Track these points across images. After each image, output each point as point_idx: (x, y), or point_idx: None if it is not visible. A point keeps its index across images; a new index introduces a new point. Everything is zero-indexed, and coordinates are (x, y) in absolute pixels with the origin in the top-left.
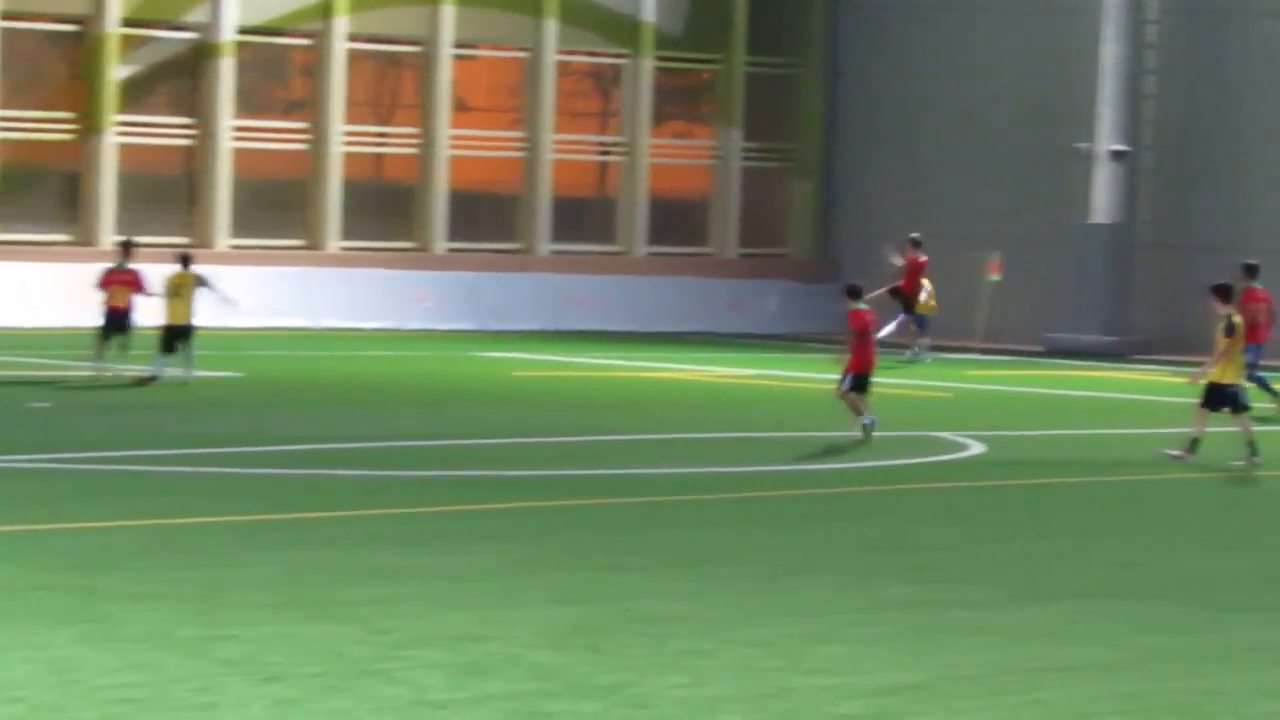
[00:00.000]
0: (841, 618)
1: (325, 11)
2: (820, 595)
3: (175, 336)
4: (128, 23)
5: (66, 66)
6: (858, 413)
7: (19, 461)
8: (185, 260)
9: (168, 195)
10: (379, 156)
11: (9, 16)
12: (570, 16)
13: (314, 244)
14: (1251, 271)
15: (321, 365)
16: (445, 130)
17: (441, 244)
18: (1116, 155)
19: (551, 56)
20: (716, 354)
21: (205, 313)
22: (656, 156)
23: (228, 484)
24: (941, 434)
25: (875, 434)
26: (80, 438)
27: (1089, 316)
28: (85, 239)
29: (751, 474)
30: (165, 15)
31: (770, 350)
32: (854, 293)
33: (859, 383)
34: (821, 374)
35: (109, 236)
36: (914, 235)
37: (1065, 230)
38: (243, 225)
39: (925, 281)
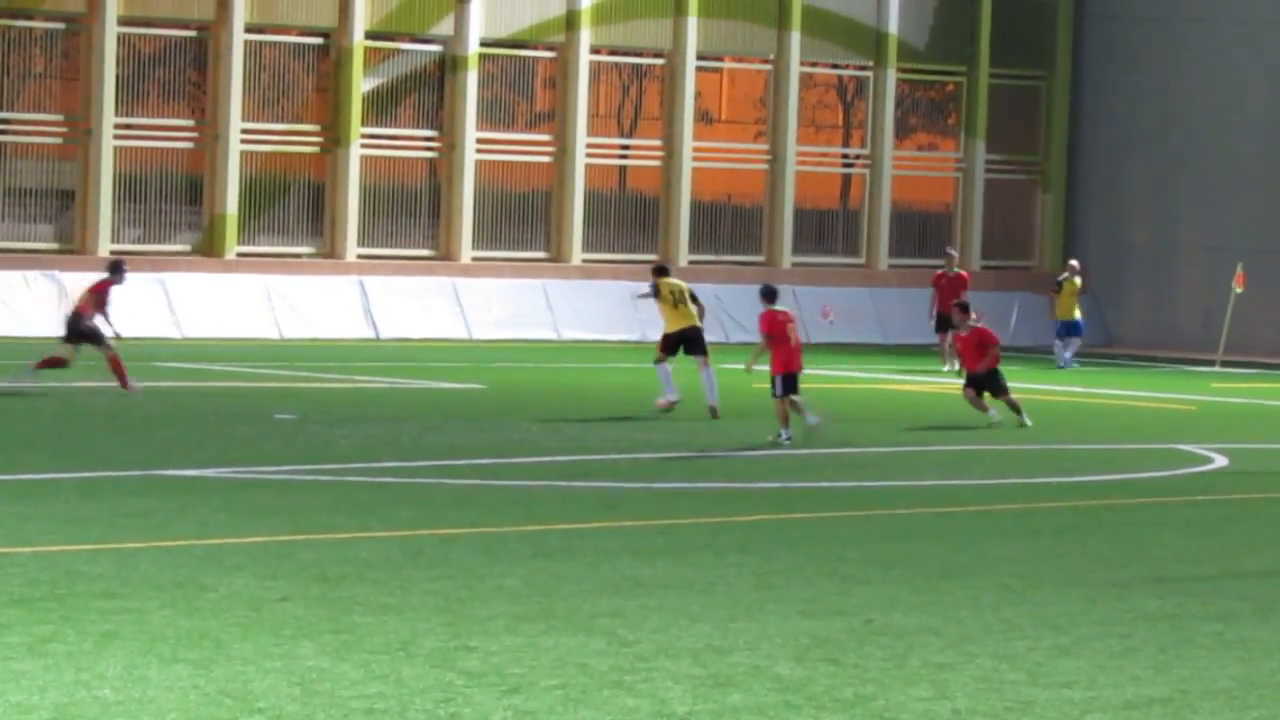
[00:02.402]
0: (1085, 631)
1: (570, 24)
2: (1063, 608)
3: (680, 342)
4: (373, 35)
5: (312, 79)
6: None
7: (266, 473)
8: (664, 270)
9: (412, 207)
10: (622, 169)
11: (256, 29)
12: (814, 28)
13: (557, 256)
14: None
15: (564, 377)
16: (689, 142)
17: (684, 256)
18: None
19: (795, 68)
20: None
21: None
22: (900, 169)
23: (472, 495)
24: (1185, 446)
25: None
26: (327, 449)
27: None
28: (330, 251)
29: (994, 486)
30: (410, 28)
31: (1010, 363)
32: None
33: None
34: (1061, 385)
35: (353, 249)
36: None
37: None
38: (486, 237)
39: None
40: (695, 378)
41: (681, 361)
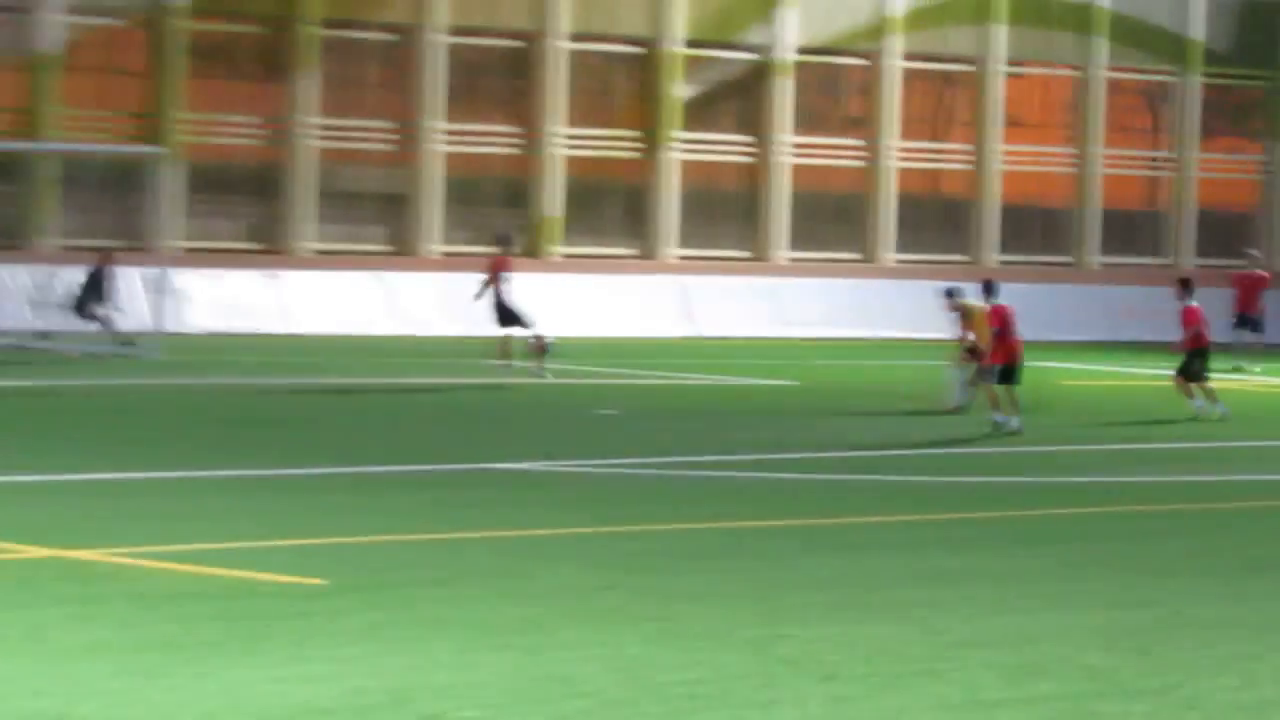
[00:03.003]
0: None
1: (880, 32)
2: None
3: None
4: (690, 44)
5: (632, 86)
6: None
7: (590, 466)
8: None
9: (728, 210)
10: (933, 172)
11: (577, 38)
12: (1119, 35)
13: (869, 257)
14: None
15: (875, 374)
16: (998, 146)
17: (993, 256)
18: None
19: (1101, 73)
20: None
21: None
22: (1205, 171)
23: (787, 488)
24: None
25: None
26: (648, 443)
27: None
28: (649, 253)
29: None
30: (726, 36)
31: None
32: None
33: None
34: None
35: (672, 250)
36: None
37: None
38: (801, 239)
39: None
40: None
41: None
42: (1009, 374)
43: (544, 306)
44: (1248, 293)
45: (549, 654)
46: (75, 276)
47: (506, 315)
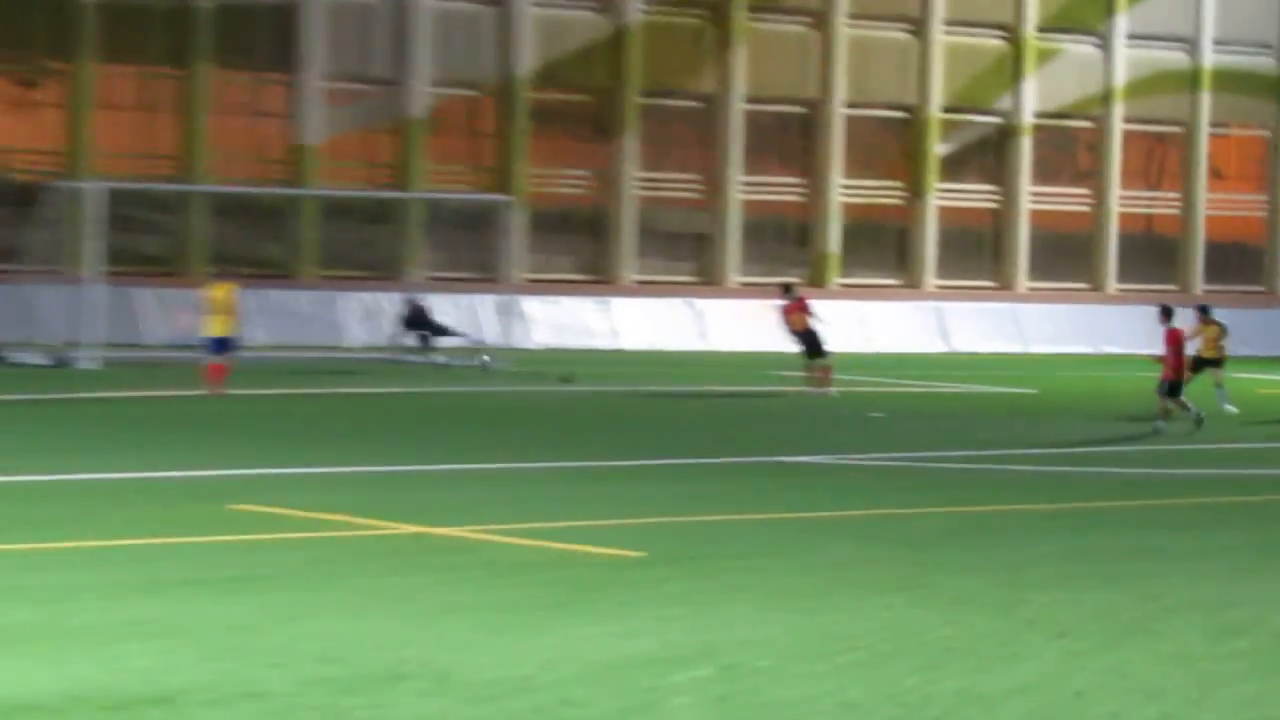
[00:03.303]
0: None
1: (1106, 100)
2: None
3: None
4: (947, 109)
5: (898, 144)
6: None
7: (863, 459)
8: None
9: (978, 247)
10: (1148, 216)
11: (853, 105)
12: None
13: (1096, 285)
14: None
15: (1101, 384)
16: (1201, 193)
17: (1199, 285)
18: None
19: None
20: None
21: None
22: None
23: (1024, 479)
24: None
25: None
26: (910, 440)
27: None
28: (911, 283)
29: None
30: (976, 103)
31: None
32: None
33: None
34: None
35: (930, 281)
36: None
37: None
38: (1038, 270)
39: None
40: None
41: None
42: (1175, 389)
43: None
44: None
45: (828, 615)
46: (438, 304)
47: (811, 344)
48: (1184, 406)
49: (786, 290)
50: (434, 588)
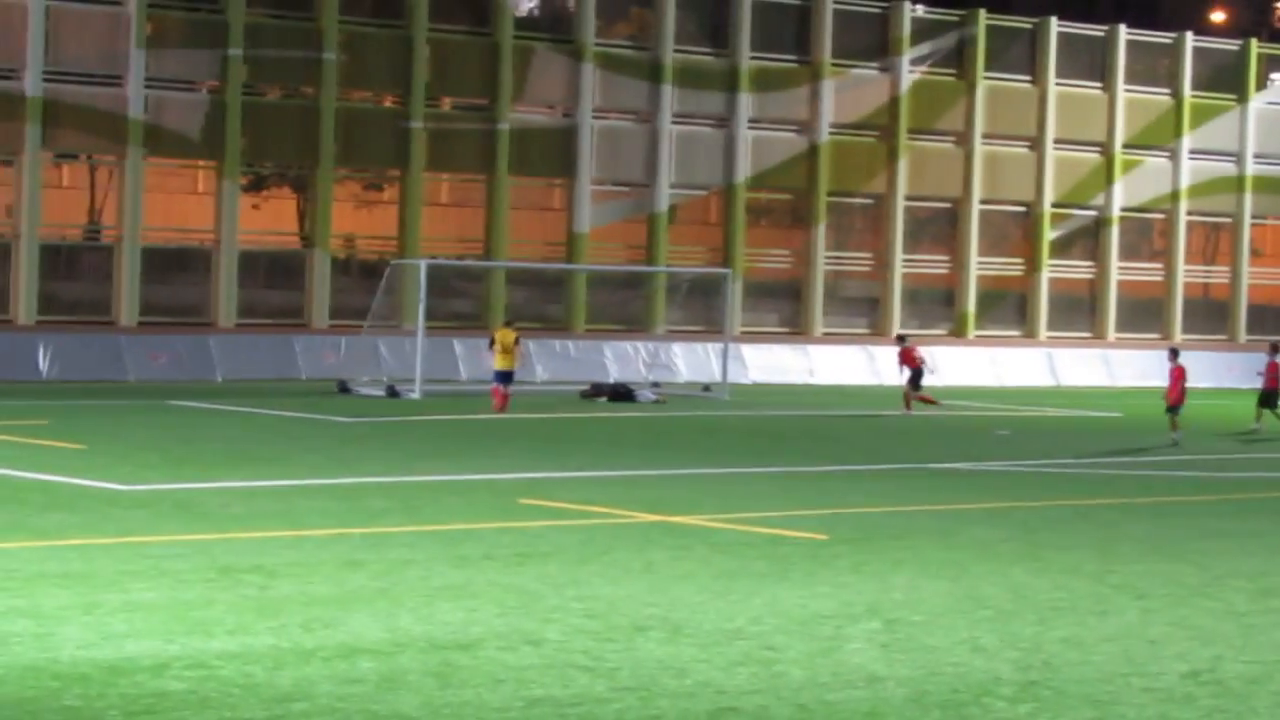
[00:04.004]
0: None
1: (1174, 198)
2: None
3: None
4: (1056, 205)
5: (1019, 232)
6: None
7: (993, 467)
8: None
9: (1079, 306)
10: (1205, 284)
11: (985, 202)
12: None
13: (1166, 336)
14: None
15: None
16: (1246, 268)
17: (1243, 336)
18: None
19: None
20: None
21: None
22: None
23: (1111, 480)
24: None
25: None
26: (1029, 451)
27: None
28: (1029, 334)
29: None
30: (1078, 200)
31: None
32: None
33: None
34: None
35: (1044, 332)
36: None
37: None
38: (1123, 324)
39: None
40: None
41: None
42: (1174, 409)
43: (964, 367)
44: None
45: (967, 582)
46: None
47: (915, 381)
48: (1174, 427)
49: (901, 340)
50: (670, 562)
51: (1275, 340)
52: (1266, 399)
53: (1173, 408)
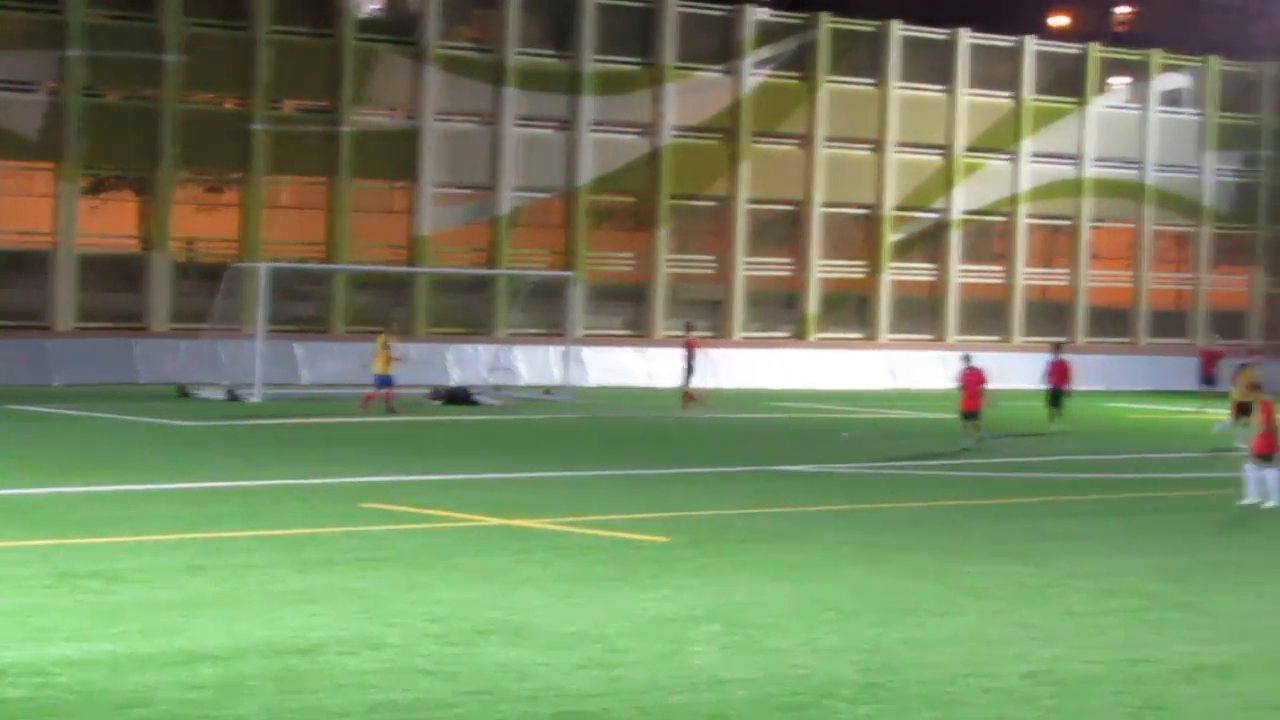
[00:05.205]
0: None
1: (1014, 201)
2: None
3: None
4: (899, 207)
5: (861, 234)
6: None
7: (837, 469)
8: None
9: (920, 309)
10: (1045, 287)
11: (828, 205)
12: (1161, 201)
13: (1007, 338)
14: None
15: (1012, 413)
16: (1085, 270)
17: (1083, 338)
18: None
19: (1150, 226)
20: None
21: None
22: (1213, 287)
23: (954, 482)
24: None
25: None
26: (870, 453)
27: None
28: (870, 337)
29: None
30: (920, 202)
31: None
32: None
33: None
34: None
35: (885, 335)
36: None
37: None
38: (968, 327)
39: None
40: None
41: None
42: (971, 414)
43: (806, 370)
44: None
45: (809, 584)
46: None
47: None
48: (977, 429)
49: (688, 329)
50: (512, 565)
51: (1057, 340)
52: (1054, 398)
53: (969, 414)
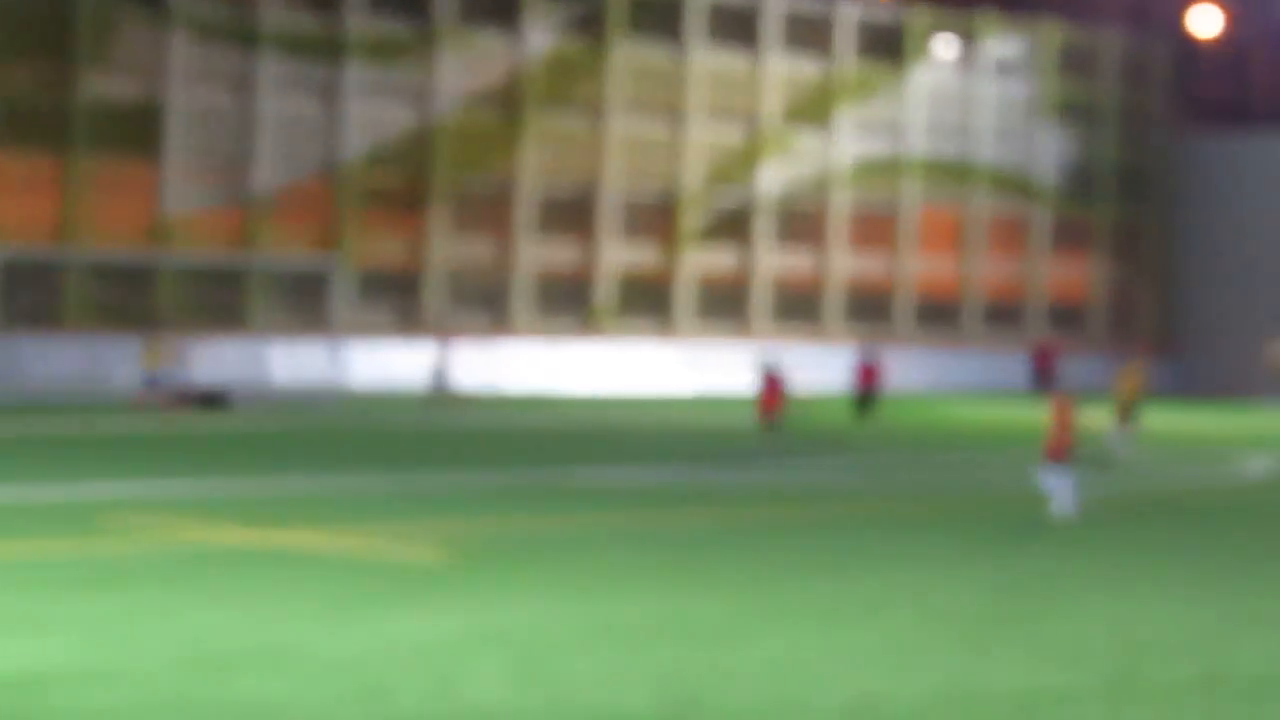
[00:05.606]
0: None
1: (830, 181)
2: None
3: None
4: (702, 188)
5: (660, 218)
6: None
7: (632, 475)
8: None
9: (724, 299)
10: (864, 276)
11: (623, 184)
12: (993, 182)
13: (819, 331)
14: None
15: (819, 412)
16: (908, 258)
17: (906, 332)
18: None
19: (980, 210)
20: None
21: None
22: (1053, 277)
23: (759, 492)
24: None
25: None
26: (670, 458)
27: None
28: (669, 329)
29: None
30: (724, 182)
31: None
32: None
33: None
34: None
35: (687, 329)
36: None
37: None
38: (780, 318)
39: None
40: None
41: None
42: (772, 417)
43: (598, 368)
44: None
45: (602, 605)
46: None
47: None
48: (778, 433)
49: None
50: (270, 585)
51: (868, 337)
52: (863, 401)
53: (769, 416)
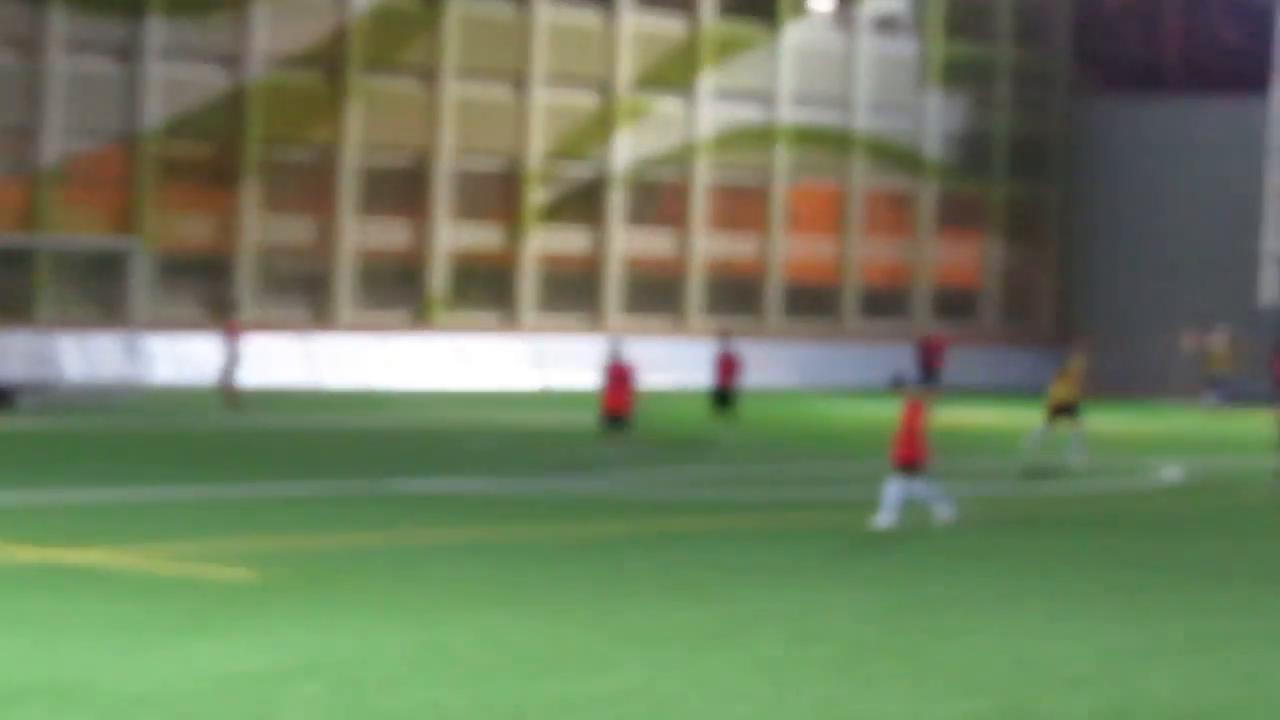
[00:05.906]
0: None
1: (692, 152)
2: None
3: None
4: (548, 159)
5: (501, 193)
6: None
7: (462, 486)
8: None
9: (574, 286)
10: (729, 258)
11: (459, 156)
12: (873, 154)
13: (680, 323)
14: None
15: (682, 414)
16: (780, 239)
17: (776, 321)
18: None
19: (858, 185)
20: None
21: None
22: (942, 257)
23: (614, 502)
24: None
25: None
26: (509, 465)
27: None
28: (512, 323)
29: None
30: (573, 153)
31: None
32: None
33: None
34: None
35: (531, 319)
36: None
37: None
38: (630, 306)
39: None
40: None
41: None
42: (617, 417)
43: (429, 362)
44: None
45: (433, 631)
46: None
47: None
48: (625, 435)
49: (229, 311)
50: (58, 610)
51: (727, 329)
52: (721, 397)
53: (616, 417)
